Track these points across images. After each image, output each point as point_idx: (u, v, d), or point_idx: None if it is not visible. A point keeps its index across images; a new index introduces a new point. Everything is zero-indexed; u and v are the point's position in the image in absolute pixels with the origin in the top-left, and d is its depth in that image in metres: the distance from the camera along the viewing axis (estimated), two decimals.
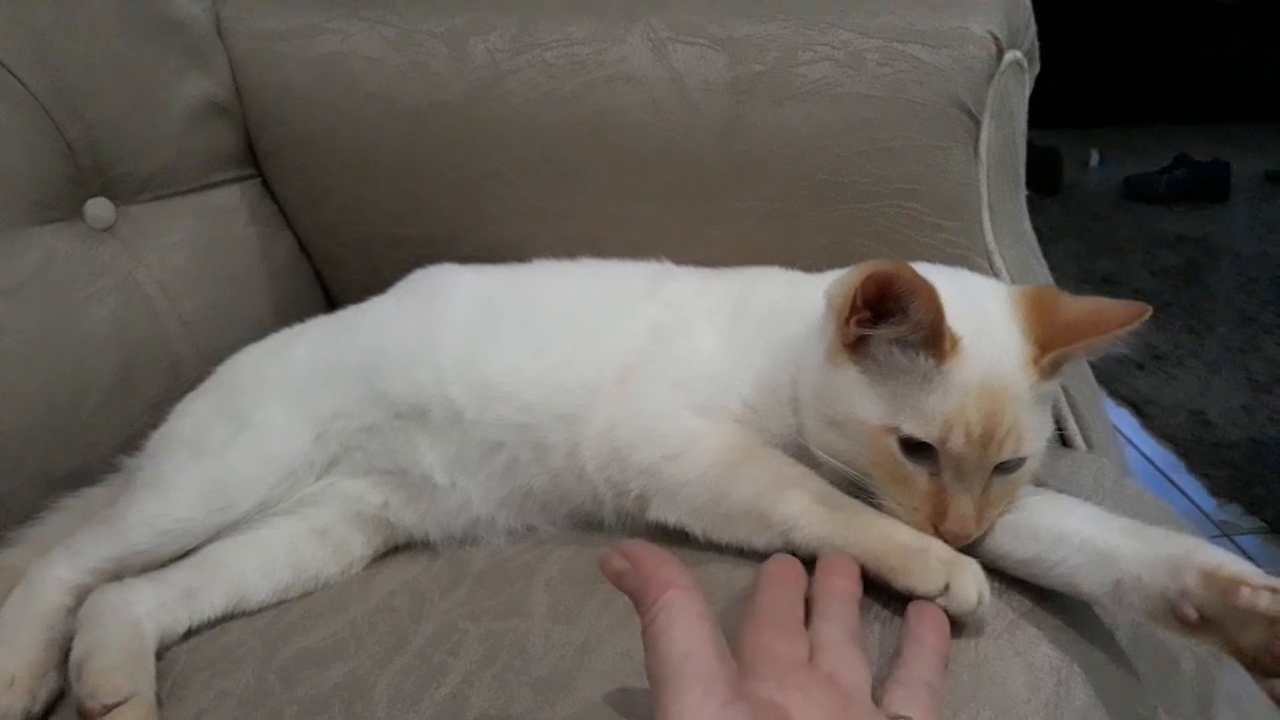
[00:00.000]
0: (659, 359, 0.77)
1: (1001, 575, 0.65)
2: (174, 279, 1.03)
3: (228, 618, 0.75)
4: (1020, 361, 0.63)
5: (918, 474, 0.63)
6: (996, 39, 0.86)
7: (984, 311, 0.66)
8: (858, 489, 0.66)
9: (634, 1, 0.98)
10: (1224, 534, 1.81)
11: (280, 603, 0.77)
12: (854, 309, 0.63)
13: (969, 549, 0.64)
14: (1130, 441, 2.18)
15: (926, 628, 0.59)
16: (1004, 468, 0.63)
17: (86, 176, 0.98)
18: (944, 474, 0.62)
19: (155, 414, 0.90)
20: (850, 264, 0.68)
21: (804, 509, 0.65)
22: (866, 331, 0.63)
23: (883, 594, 0.63)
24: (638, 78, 0.95)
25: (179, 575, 0.75)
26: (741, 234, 0.95)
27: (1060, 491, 0.71)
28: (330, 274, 1.20)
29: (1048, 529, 0.64)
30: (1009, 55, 0.88)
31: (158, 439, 0.86)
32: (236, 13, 1.11)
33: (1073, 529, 0.63)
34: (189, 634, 0.73)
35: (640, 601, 0.50)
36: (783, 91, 0.90)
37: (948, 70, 0.86)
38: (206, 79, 1.09)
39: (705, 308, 0.81)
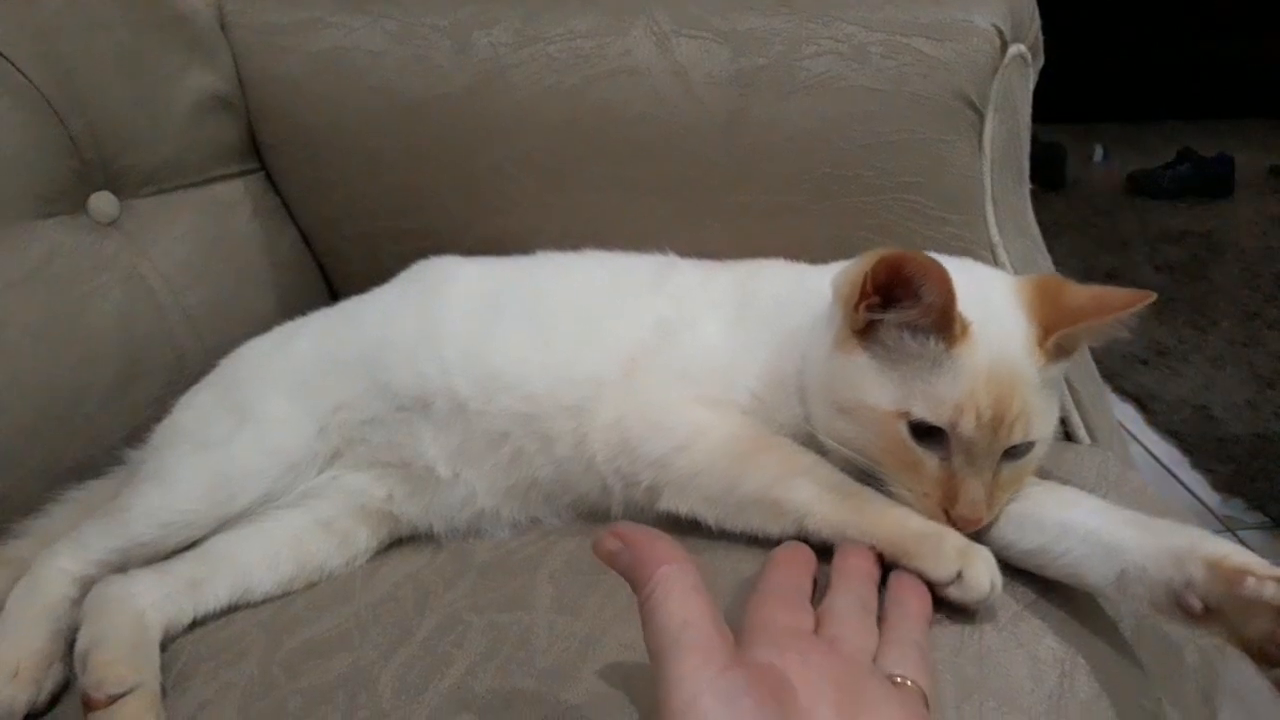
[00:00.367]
0: (665, 352, 0.77)
1: (1005, 566, 0.64)
2: (178, 272, 1.03)
3: (232, 609, 0.75)
4: (1027, 345, 0.63)
5: (928, 459, 0.63)
6: (1000, 32, 0.86)
7: (990, 297, 0.66)
8: (868, 477, 0.66)
9: None
10: (1228, 529, 1.81)
11: (284, 594, 0.77)
12: (864, 294, 0.63)
13: (976, 537, 0.64)
14: (1134, 436, 2.18)
15: (908, 593, 0.60)
16: (1013, 453, 0.63)
17: (90, 170, 0.98)
18: (954, 459, 0.62)
19: (159, 407, 0.90)
20: (854, 257, 0.68)
21: (817, 496, 0.66)
22: (876, 317, 0.64)
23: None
24: (641, 71, 0.95)
25: (183, 567, 0.75)
26: (745, 227, 0.95)
27: (1064, 484, 0.71)
28: (333, 267, 1.20)
29: (1053, 520, 0.64)
30: (1013, 49, 0.88)
31: (161, 431, 0.86)
32: (239, 6, 1.11)
33: (1077, 520, 0.63)
34: (193, 625, 0.73)
35: (635, 579, 0.50)
36: (786, 85, 0.90)
37: (952, 63, 0.86)
38: (210, 73, 1.09)
39: (710, 300, 0.81)
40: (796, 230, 0.93)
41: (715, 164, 0.94)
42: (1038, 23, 0.93)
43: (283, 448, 0.81)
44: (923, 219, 0.89)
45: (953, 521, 0.62)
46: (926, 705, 0.52)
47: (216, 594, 0.74)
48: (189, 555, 0.76)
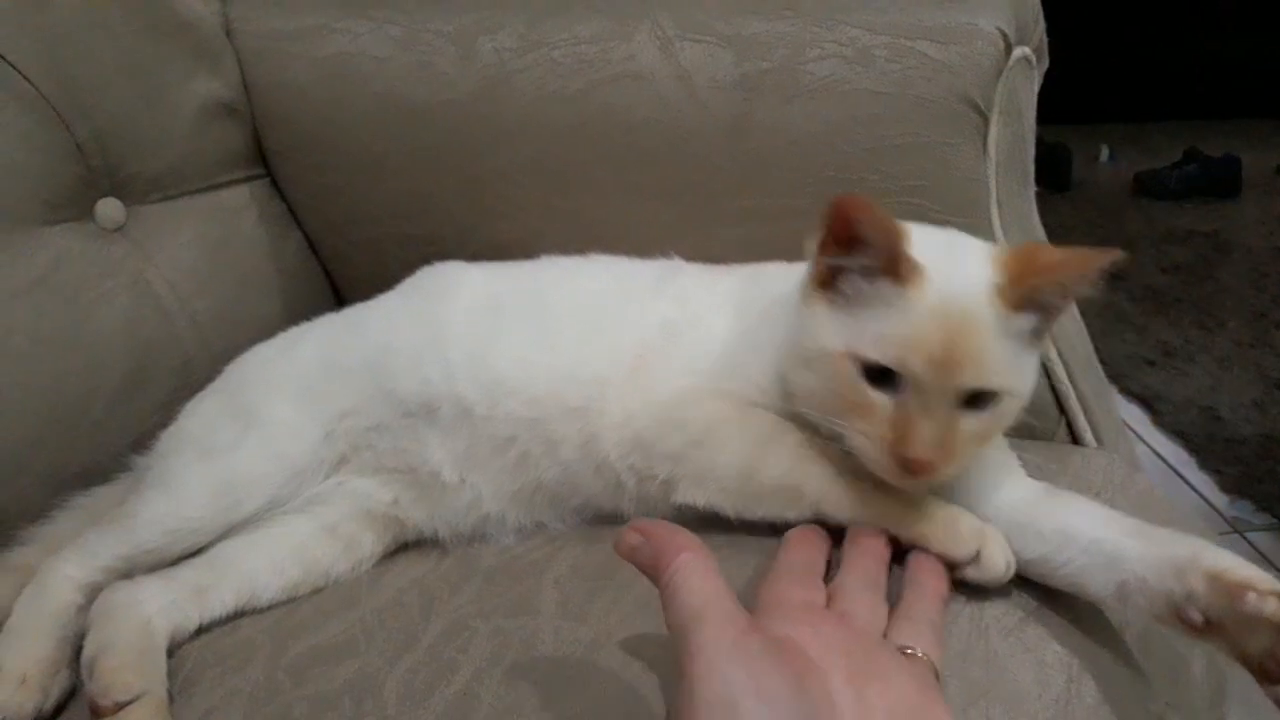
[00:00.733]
0: (671, 350, 0.77)
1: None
2: (184, 278, 1.03)
3: (238, 615, 0.75)
4: (987, 290, 0.62)
5: (880, 401, 0.63)
6: (1005, 35, 0.86)
7: (957, 250, 0.66)
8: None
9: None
10: (1235, 530, 1.80)
11: (290, 600, 0.77)
12: (824, 242, 0.64)
13: None
14: (1140, 438, 2.17)
15: (926, 572, 0.62)
16: (975, 403, 0.62)
17: (96, 177, 0.98)
18: (907, 400, 0.62)
19: (165, 413, 0.90)
20: None
21: (833, 481, 0.67)
22: (835, 263, 0.65)
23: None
24: (645, 76, 0.95)
25: (189, 573, 0.75)
26: (749, 231, 0.94)
27: (1069, 488, 0.71)
28: (339, 272, 1.20)
29: (1055, 529, 0.64)
30: (1017, 51, 0.88)
31: (167, 438, 0.86)
32: (244, 13, 1.11)
33: (1080, 530, 0.63)
34: (199, 631, 0.73)
35: (656, 568, 0.52)
36: (791, 89, 0.90)
37: (956, 66, 0.86)
38: (215, 79, 1.09)
39: (713, 303, 0.81)
40: (801, 234, 0.92)
41: (719, 168, 0.94)
42: (1042, 25, 0.93)
43: (288, 454, 0.81)
44: (928, 223, 0.89)
45: (907, 468, 0.61)
46: (937, 677, 0.53)
47: (222, 600, 0.74)
48: (195, 561, 0.77)
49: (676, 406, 0.74)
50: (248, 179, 1.14)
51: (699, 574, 0.51)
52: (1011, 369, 0.63)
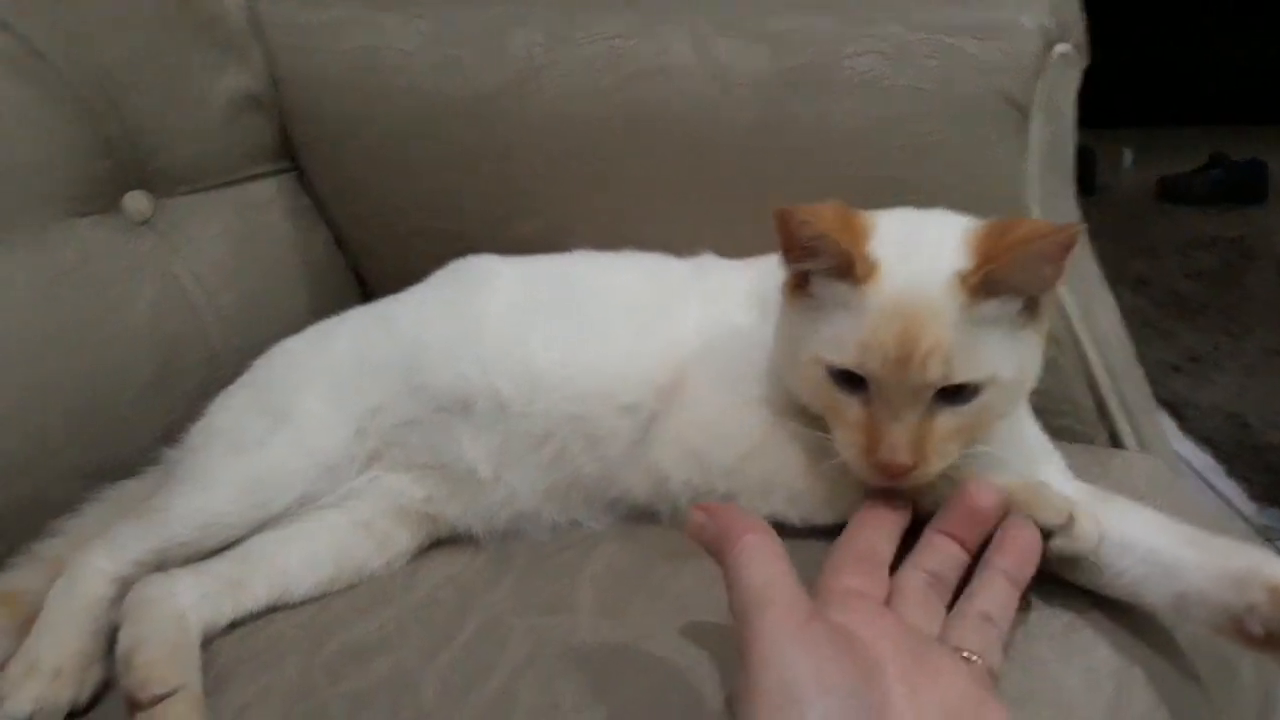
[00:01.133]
0: (711, 357, 0.76)
1: (1055, 577, 0.63)
2: (210, 272, 1.03)
3: (270, 610, 0.74)
4: (947, 281, 0.60)
5: (851, 404, 0.62)
6: (1046, 31, 0.85)
7: (920, 238, 0.64)
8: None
9: None
10: (1265, 539, 1.79)
11: (323, 596, 0.76)
12: (785, 250, 0.63)
13: None
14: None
15: (1005, 554, 0.59)
16: (951, 397, 0.61)
17: (125, 170, 0.98)
18: (874, 403, 0.61)
19: (192, 407, 0.89)
20: None
21: None
22: (801, 268, 0.64)
23: None
24: (678, 71, 0.94)
25: (222, 567, 0.75)
26: None
27: (1114, 493, 0.69)
28: (366, 266, 1.20)
29: (1110, 538, 0.63)
30: (1058, 48, 0.87)
31: (196, 432, 0.85)
32: (272, 6, 1.12)
33: (1136, 538, 0.62)
34: (232, 626, 0.73)
35: (721, 548, 0.52)
36: (828, 85, 0.89)
37: (996, 63, 0.85)
38: (242, 72, 1.09)
39: (739, 300, 0.80)
40: None
41: (754, 165, 0.93)
42: (1082, 22, 0.91)
43: (320, 449, 0.80)
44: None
45: (880, 470, 0.60)
46: (995, 681, 0.52)
47: (255, 595, 0.74)
48: (228, 555, 0.76)
49: (723, 420, 0.73)
50: (275, 172, 1.14)
51: (764, 556, 0.50)
52: (985, 357, 0.60)
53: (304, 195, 1.16)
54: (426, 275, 0.93)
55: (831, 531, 0.67)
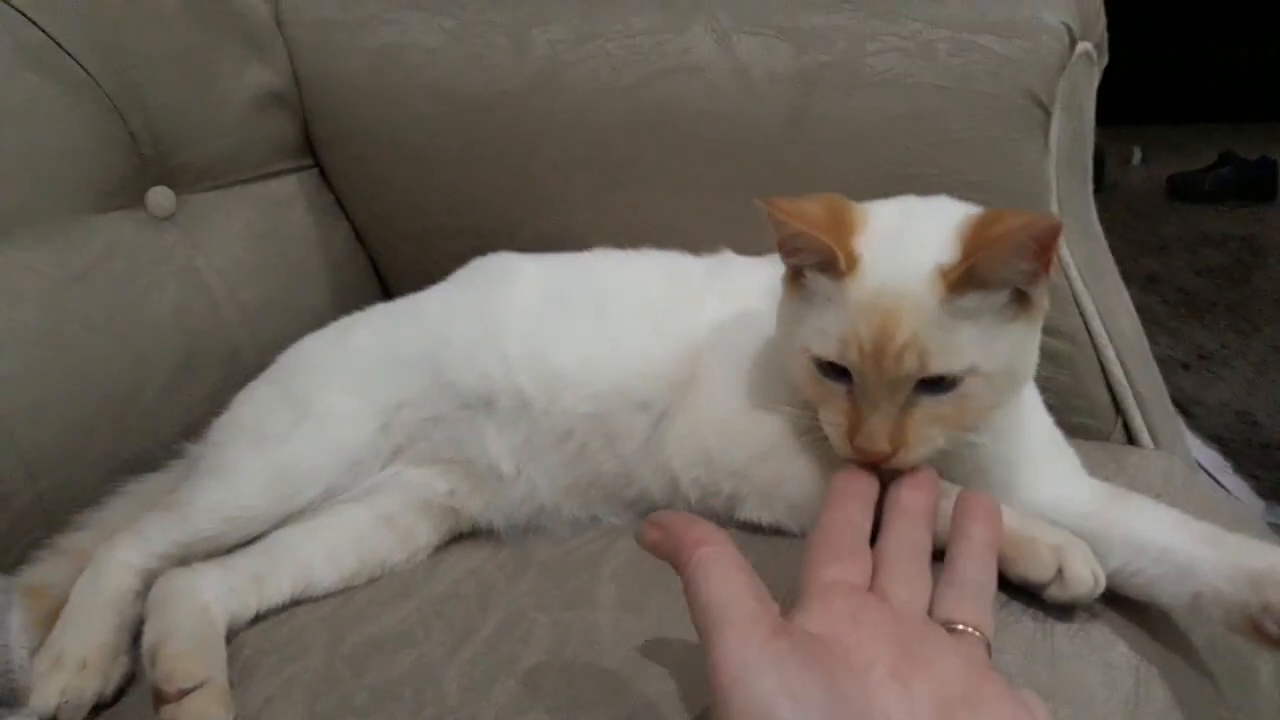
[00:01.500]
0: (728, 357, 0.76)
1: None
2: (233, 268, 1.04)
3: (294, 603, 0.75)
4: (928, 275, 0.59)
5: (835, 392, 0.63)
6: (1070, 29, 0.85)
7: (910, 230, 0.64)
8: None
9: None
10: (1274, 535, 1.79)
11: (346, 589, 0.76)
12: (778, 245, 0.64)
13: None
14: None
15: (972, 519, 0.57)
16: (931, 387, 0.60)
17: (148, 165, 0.99)
18: (856, 391, 0.62)
19: (214, 402, 0.90)
20: None
21: None
22: (793, 262, 0.64)
23: None
24: (701, 68, 0.94)
25: (246, 560, 0.75)
26: None
27: (1130, 490, 0.69)
28: (387, 263, 1.20)
29: (1123, 538, 0.63)
30: (1081, 46, 0.87)
31: (220, 426, 0.86)
32: (295, 3, 1.12)
33: (1150, 538, 0.62)
34: (255, 619, 0.73)
35: (677, 563, 0.50)
36: (850, 82, 0.89)
37: (1019, 61, 0.85)
38: (266, 69, 1.10)
39: (755, 295, 0.79)
40: None
41: (776, 162, 0.93)
42: (1104, 19, 0.91)
43: (344, 444, 0.81)
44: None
45: (864, 457, 0.61)
46: (989, 650, 0.51)
47: (279, 588, 0.74)
48: (252, 549, 0.76)
49: (736, 421, 0.73)
50: (297, 169, 1.15)
51: (721, 569, 0.48)
52: (966, 349, 0.60)
53: (325, 192, 1.17)
54: (447, 272, 0.94)
55: None
